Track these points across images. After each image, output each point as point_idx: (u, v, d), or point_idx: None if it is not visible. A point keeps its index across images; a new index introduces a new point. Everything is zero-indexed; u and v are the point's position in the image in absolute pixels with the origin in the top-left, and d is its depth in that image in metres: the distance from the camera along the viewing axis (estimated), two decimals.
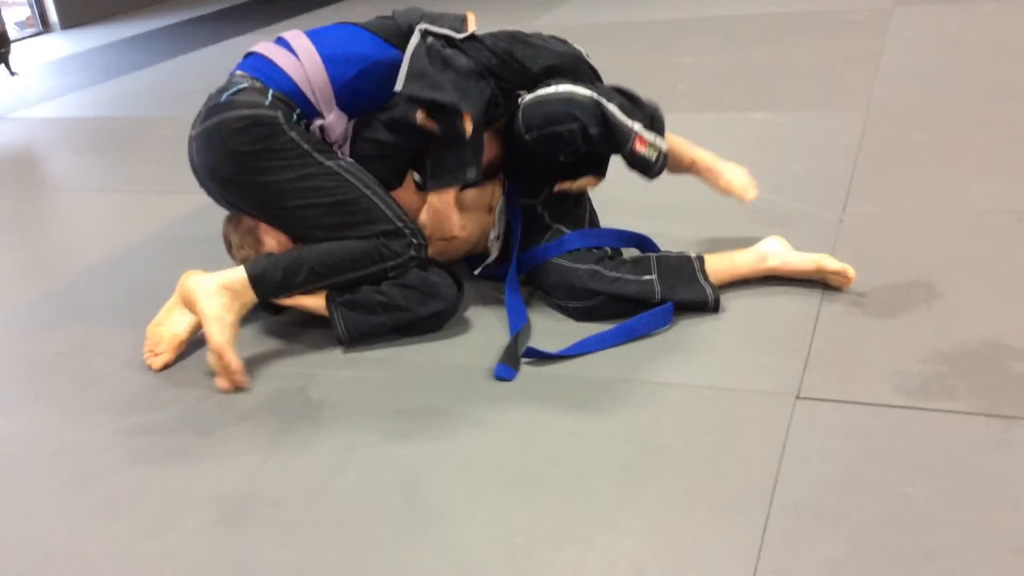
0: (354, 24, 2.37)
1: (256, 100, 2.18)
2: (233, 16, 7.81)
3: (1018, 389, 1.85)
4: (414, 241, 2.26)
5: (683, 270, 2.30)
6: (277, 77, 2.23)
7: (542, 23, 6.03)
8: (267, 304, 2.31)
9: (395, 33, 2.32)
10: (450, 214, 2.34)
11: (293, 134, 2.19)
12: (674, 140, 2.43)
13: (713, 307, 2.27)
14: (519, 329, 2.24)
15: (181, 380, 2.24)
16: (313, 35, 2.31)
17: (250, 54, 2.33)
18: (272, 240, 2.30)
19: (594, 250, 2.38)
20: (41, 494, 1.89)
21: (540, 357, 2.16)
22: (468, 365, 2.17)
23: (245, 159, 2.18)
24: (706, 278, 2.30)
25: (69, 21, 8.11)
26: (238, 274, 2.19)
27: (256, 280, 2.19)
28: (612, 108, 2.27)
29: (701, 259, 2.32)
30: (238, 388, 2.14)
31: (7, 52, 5.17)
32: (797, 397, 1.91)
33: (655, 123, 2.36)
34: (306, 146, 2.20)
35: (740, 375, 2.02)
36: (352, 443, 1.93)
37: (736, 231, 2.68)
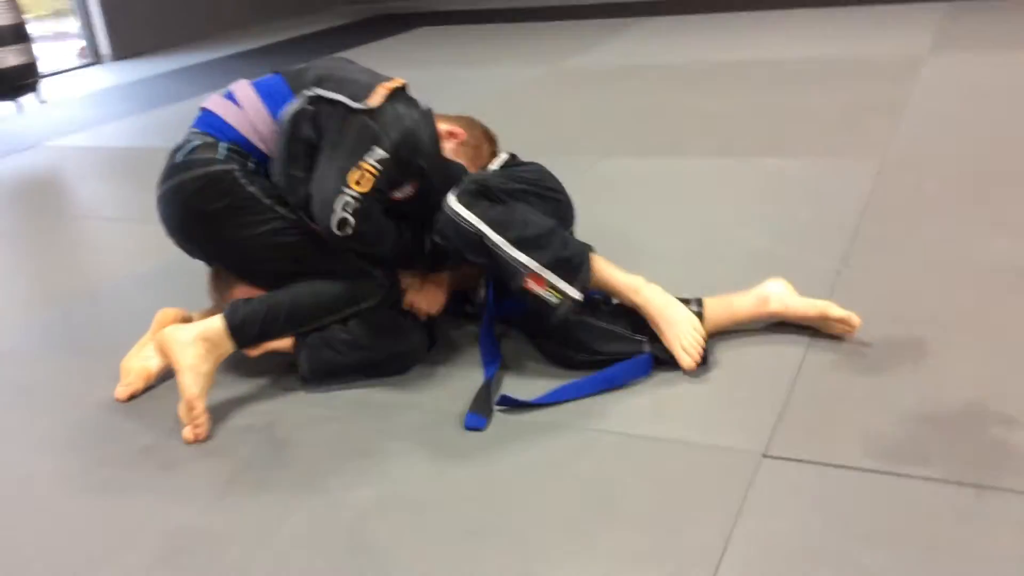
0: (281, 75, 2.31)
1: (209, 157, 2.19)
2: (280, 51, 7.95)
3: (995, 457, 1.76)
4: (385, 283, 2.25)
5: None
6: (225, 129, 2.23)
7: (573, 64, 6.04)
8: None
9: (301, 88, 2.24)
10: (415, 292, 2.32)
11: (253, 189, 2.18)
12: (621, 281, 2.22)
13: (702, 364, 2.20)
14: (491, 376, 2.20)
15: (150, 413, 2.23)
16: (257, 85, 2.29)
17: (202, 110, 2.32)
18: (246, 294, 2.29)
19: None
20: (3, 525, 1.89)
21: (513, 405, 2.11)
22: (438, 408, 2.14)
23: (208, 218, 2.19)
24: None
25: (120, 53, 8.32)
26: (215, 324, 2.17)
27: (235, 331, 2.18)
28: (499, 240, 2.10)
29: (700, 312, 2.25)
30: (199, 441, 2.10)
31: (37, 81, 5.32)
32: (764, 455, 1.85)
33: (566, 265, 2.13)
34: (268, 201, 2.19)
35: (709, 430, 1.95)
36: (308, 484, 1.91)
37: (730, 277, 2.61)
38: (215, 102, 2.29)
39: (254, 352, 2.24)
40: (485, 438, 2.01)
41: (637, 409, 2.06)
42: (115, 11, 8.28)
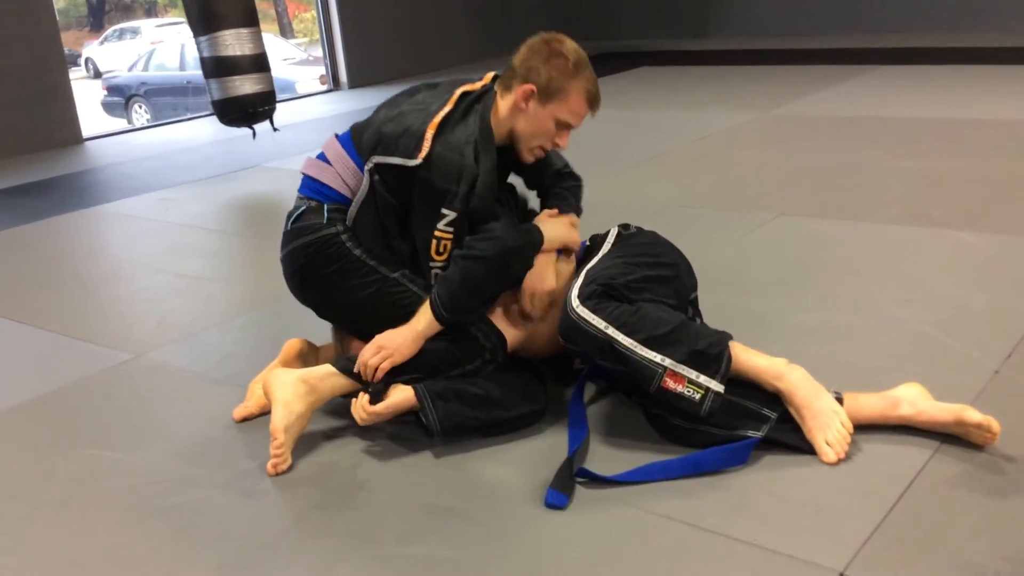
0: (351, 129, 2.37)
1: (315, 223, 2.31)
2: None
3: None
4: (487, 345, 2.24)
5: None
6: (324, 190, 2.34)
7: (782, 112, 5.79)
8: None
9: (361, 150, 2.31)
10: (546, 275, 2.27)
11: (359, 252, 2.29)
12: (762, 367, 2.08)
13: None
14: (574, 450, 2.10)
15: (257, 440, 2.31)
16: (339, 139, 2.36)
17: (302, 175, 2.41)
18: (362, 348, 2.34)
19: None
20: (84, 530, 2.01)
21: (592, 479, 2.02)
22: (517, 472, 2.07)
23: (320, 282, 2.34)
24: None
25: (356, 81, 8.86)
26: (319, 369, 2.26)
27: (341, 366, 2.24)
28: (629, 343, 2.02)
29: (839, 400, 2.08)
30: (279, 473, 2.15)
31: (272, 109, 5.71)
32: (840, 574, 1.65)
33: (703, 358, 2.02)
34: (372, 262, 2.30)
35: (789, 536, 1.78)
36: (366, 533, 1.90)
37: (875, 363, 2.40)
38: (310, 165, 2.40)
39: (374, 409, 2.19)
40: (549, 511, 1.93)
41: (718, 501, 1.91)
42: (355, 41, 8.82)
